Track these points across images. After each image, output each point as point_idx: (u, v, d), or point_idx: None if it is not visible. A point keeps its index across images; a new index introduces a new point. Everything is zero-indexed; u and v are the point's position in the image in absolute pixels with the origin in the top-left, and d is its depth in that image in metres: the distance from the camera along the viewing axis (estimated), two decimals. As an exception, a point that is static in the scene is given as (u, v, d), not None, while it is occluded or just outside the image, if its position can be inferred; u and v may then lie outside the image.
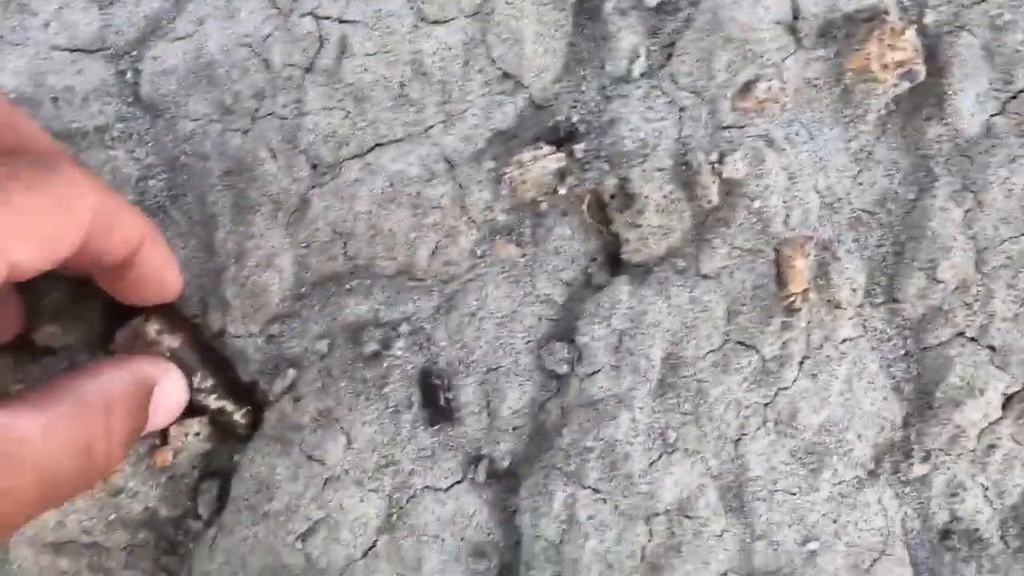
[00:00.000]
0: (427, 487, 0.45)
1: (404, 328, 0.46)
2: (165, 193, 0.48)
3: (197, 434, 0.46)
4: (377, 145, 0.46)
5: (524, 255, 0.46)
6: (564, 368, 0.45)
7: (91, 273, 0.38)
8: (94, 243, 0.33)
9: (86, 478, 0.32)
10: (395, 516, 0.45)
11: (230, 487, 0.47)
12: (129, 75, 0.48)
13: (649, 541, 0.44)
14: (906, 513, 0.47)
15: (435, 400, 0.45)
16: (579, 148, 0.44)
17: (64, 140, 0.48)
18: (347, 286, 0.47)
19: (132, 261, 0.36)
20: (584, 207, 0.44)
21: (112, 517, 0.47)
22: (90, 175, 0.33)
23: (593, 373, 0.45)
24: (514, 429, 0.46)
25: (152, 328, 0.39)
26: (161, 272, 0.39)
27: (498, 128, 0.46)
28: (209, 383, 0.42)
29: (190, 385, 0.41)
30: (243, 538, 0.46)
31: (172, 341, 0.40)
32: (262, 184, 0.47)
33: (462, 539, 0.46)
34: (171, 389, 0.39)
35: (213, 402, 0.43)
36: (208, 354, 0.44)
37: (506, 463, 0.46)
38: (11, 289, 0.39)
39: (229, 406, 0.44)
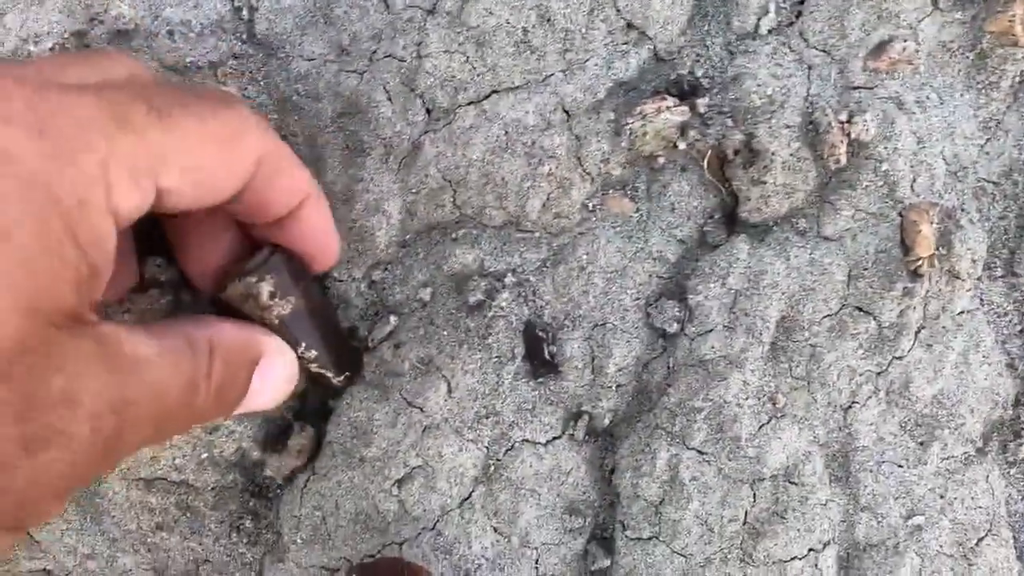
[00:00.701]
0: (526, 440, 0.45)
1: (510, 279, 0.45)
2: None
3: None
4: (494, 92, 0.46)
5: (638, 210, 0.45)
6: (674, 327, 0.44)
7: (247, 224, 0.36)
8: (255, 191, 0.32)
9: (188, 416, 0.32)
10: (492, 468, 0.45)
11: (324, 431, 0.47)
12: (245, 12, 0.48)
13: (752, 506, 0.43)
14: (1011, 495, 0.46)
15: (539, 353, 0.45)
16: (702, 102, 0.43)
17: (177, 74, 0.47)
18: (453, 235, 0.46)
19: (291, 220, 0.35)
20: (704, 163, 0.44)
21: (204, 456, 0.47)
22: (263, 120, 0.31)
23: (704, 333, 0.44)
24: (618, 387, 0.45)
25: (266, 290, 0.36)
26: (320, 236, 0.37)
27: (619, 79, 0.45)
28: (313, 353, 0.39)
29: (295, 353, 0.39)
30: (337, 482, 0.45)
31: (283, 307, 0.37)
32: (375, 127, 0.46)
33: (558, 495, 0.45)
34: (278, 368, 0.36)
35: (314, 369, 0.40)
36: (316, 317, 0.41)
37: (607, 421, 0.45)
38: (129, 238, 0.37)
39: (331, 373, 0.41)
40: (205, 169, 0.29)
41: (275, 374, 0.36)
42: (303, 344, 0.39)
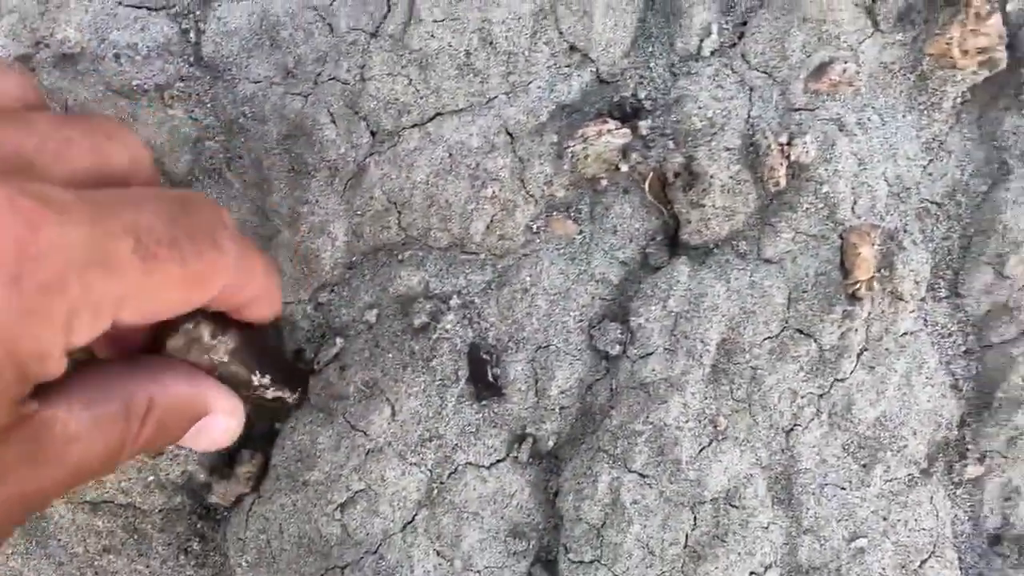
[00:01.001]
0: (470, 463, 0.45)
1: (455, 301, 0.45)
2: (221, 155, 0.48)
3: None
4: (438, 114, 0.46)
5: (581, 232, 0.45)
6: (616, 349, 0.44)
7: None
8: (219, 300, 0.32)
9: (107, 471, 0.32)
10: (436, 491, 0.45)
11: (270, 454, 0.47)
12: (192, 34, 0.48)
13: (694, 529, 0.43)
14: (956, 515, 0.46)
15: (483, 375, 0.45)
16: (644, 125, 0.43)
17: (124, 97, 0.47)
18: (399, 256, 0.46)
19: (240, 307, 0.35)
20: (646, 185, 0.44)
21: (150, 479, 0.47)
22: (242, 245, 0.31)
23: (646, 355, 0.44)
24: (561, 409, 0.45)
25: (206, 331, 0.35)
26: (263, 319, 0.36)
27: (562, 101, 0.45)
28: (267, 379, 0.39)
29: (249, 386, 0.39)
30: (281, 505, 0.45)
31: (228, 342, 0.36)
32: (320, 149, 0.46)
33: (502, 518, 0.45)
34: (220, 425, 0.36)
35: (271, 393, 0.40)
36: (253, 339, 0.40)
37: (550, 443, 0.45)
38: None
39: (285, 393, 0.41)
40: (167, 307, 0.29)
41: (215, 429, 0.36)
42: (256, 372, 0.38)
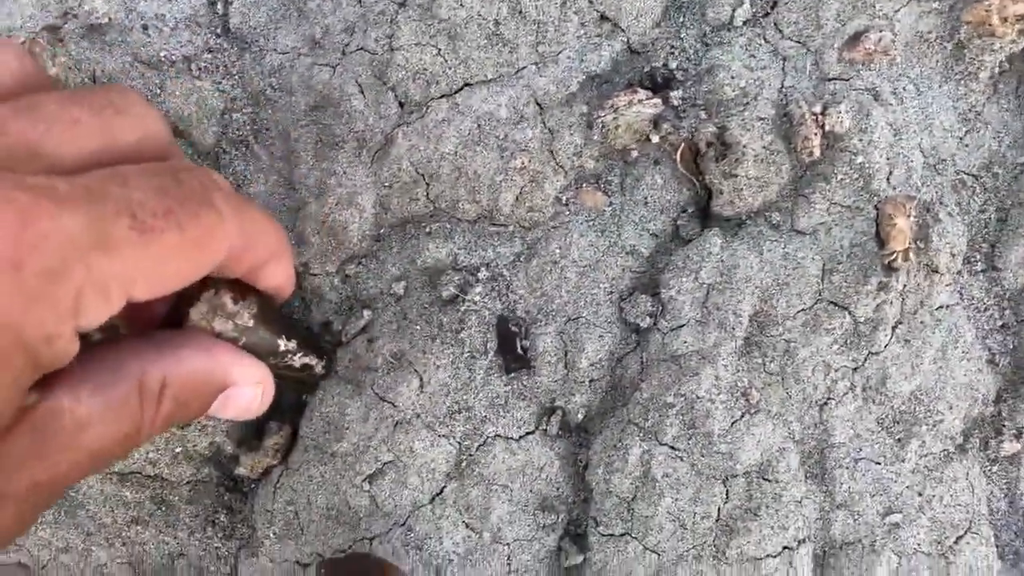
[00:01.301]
0: (498, 435, 0.44)
1: (483, 274, 0.45)
2: (248, 127, 0.48)
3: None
4: (467, 85, 0.45)
5: (611, 204, 0.45)
6: (646, 321, 0.44)
7: None
8: (228, 264, 0.32)
9: (125, 452, 0.31)
10: (464, 463, 0.44)
11: (298, 426, 0.47)
12: (219, 6, 0.47)
13: (726, 503, 0.43)
14: (992, 492, 0.45)
15: (512, 348, 0.44)
16: (675, 95, 0.43)
17: (151, 68, 0.47)
18: (427, 229, 0.46)
19: (254, 274, 0.34)
20: (677, 156, 0.43)
21: (178, 451, 0.47)
22: (238, 203, 0.31)
23: (677, 328, 0.43)
24: (591, 382, 0.44)
25: (227, 297, 0.35)
26: (279, 288, 0.36)
27: (592, 72, 0.44)
28: (293, 344, 0.38)
29: (276, 353, 0.38)
30: (309, 477, 0.45)
31: (251, 307, 0.35)
32: (348, 120, 0.46)
33: (531, 491, 0.44)
34: (248, 399, 0.35)
35: (298, 360, 0.39)
36: (276, 308, 0.39)
37: (580, 416, 0.45)
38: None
39: (312, 360, 0.41)
40: (176, 276, 0.29)
41: (241, 400, 0.35)
42: (283, 337, 0.38)
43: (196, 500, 0.47)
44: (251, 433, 0.47)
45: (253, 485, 0.48)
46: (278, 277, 0.35)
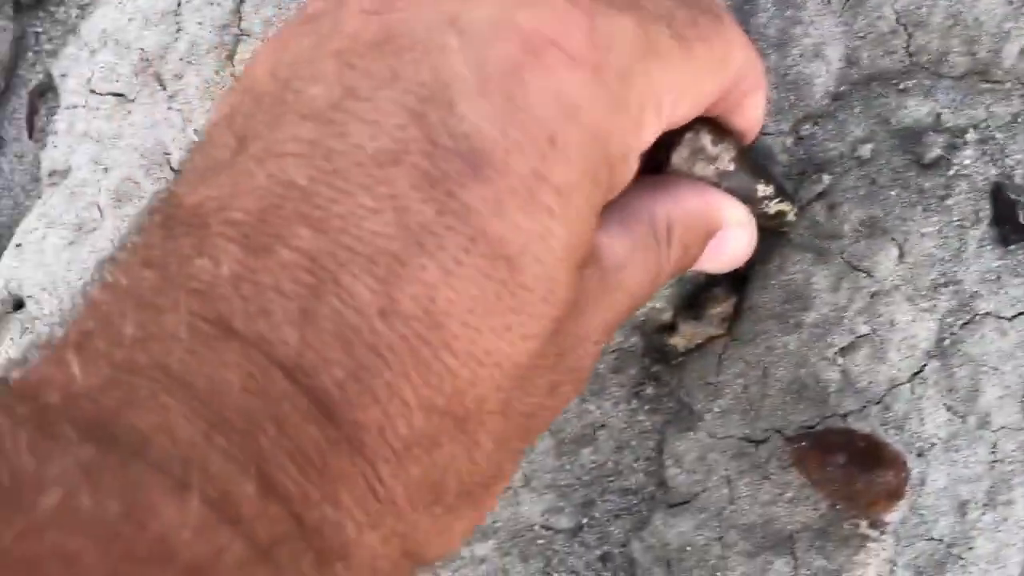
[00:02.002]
0: (988, 313, 0.40)
1: (971, 136, 0.41)
2: (697, -28, 0.44)
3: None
4: (974, -78, 0.40)
5: None
6: None
7: None
8: (719, 97, 0.30)
9: (645, 299, 0.31)
10: (948, 341, 0.40)
11: (744, 295, 0.43)
12: None
13: None
14: None
15: (1011, 218, 0.40)
16: None
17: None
18: (899, 86, 0.42)
19: (731, 109, 0.33)
20: None
21: (607, 316, 0.44)
22: (739, 27, 0.30)
23: None
24: (1099, 259, 0.40)
25: (707, 140, 0.33)
26: (754, 123, 0.34)
27: None
28: (771, 188, 0.36)
29: (753, 198, 0.36)
30: (768, 348, 0.42)
31: (730, 150, 0.33)
32: (823, -38, 0.42)
33: (1021, 376, 0.40)
34: (732, 242, 0.34)
35: (774, 207, 0.37)
36: (747, 151, 0.37)
37: (1081, 298, 0.40)
38: None
39: (786, 206, 0.38)
40: (705, 94, 0.28)
41: (732, 243, 0.34)
42: (760, 181, 0.36)
43: (622, 370, 0.45)
44: (690, 299, 0.44)
45: (682, 357, 0.45)
46: (756, 111, 0.34)
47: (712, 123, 0.33)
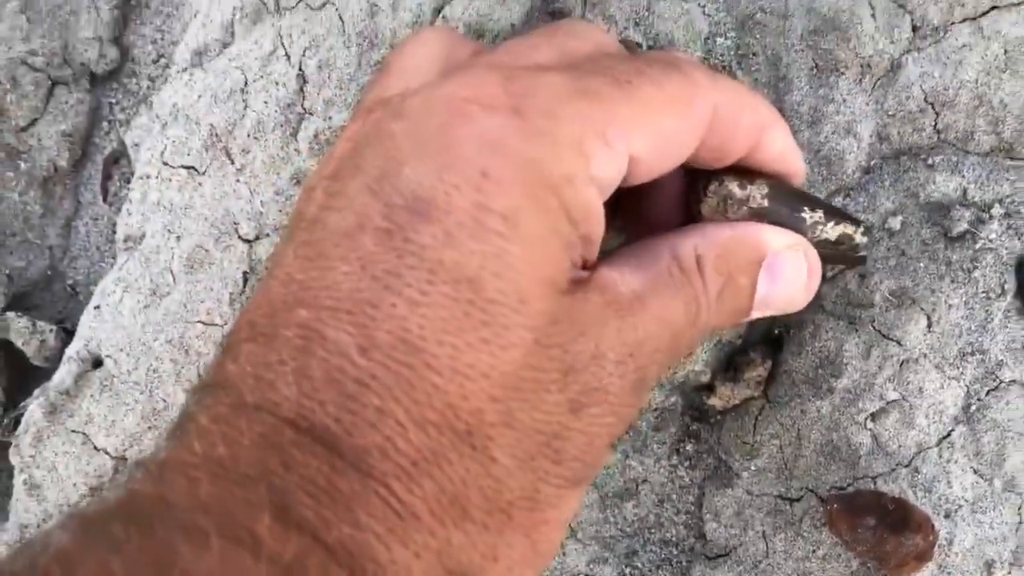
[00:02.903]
0: (1014, 381, 0.42)
1: (997, 210, 0.43)
2: (732, 52, 0.46)
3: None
4: (994, 7, 0.42)
5: None
6: None
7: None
8: (714, 140, 0.31)
9: (695, 336, 0.31)
10: (975, 407, 0.42)
11: (779, 360, 0.46)
12: (714, -76, 0.46)
13: None
14: None
15: (1035, 289, 0.42)
16: None
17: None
18: (928, 160, 0.44)
19: (754, 152, 0.33)
20: None
21: (647, 377, 0.47)
22: (710, 73, 0.31)
23: None
24: (1121, 329, 0.42)
25: (734, 184, 0.32)
26: (787, 158, 0.34)
27: None
28: (820, 213, 0.35)
29: (803, 227, 0.34)
30: (802, 412, 0.44)
31: (761, 188, 0.33)
32: (854, 45, 0.44)
33: (1045, 441, 0.42)
34: (789, 262, 0.33)
35: (831, 230, 0.35)
36: (789, 186, 0.36)
37: (1104, 366, 0.42)
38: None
39: (850, 228, 0.36)
40: (667, 133, 0.29)
41: (787, 269, 0.33)
42: (804, 208, 0.34)
43: (663, 427, 0.48)
44: (727, 363, 0.47)
45: (720, 416, 0.47)
46: (778, 145, 0.34)
47: (737, 169, 0.33)
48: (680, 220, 0.35)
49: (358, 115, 0.30)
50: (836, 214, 0.36)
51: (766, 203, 0.33)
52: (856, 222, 0.37)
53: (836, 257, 0.38)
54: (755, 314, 0.34)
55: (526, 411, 0.25)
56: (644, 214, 0.37)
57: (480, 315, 0.24)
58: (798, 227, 0.34)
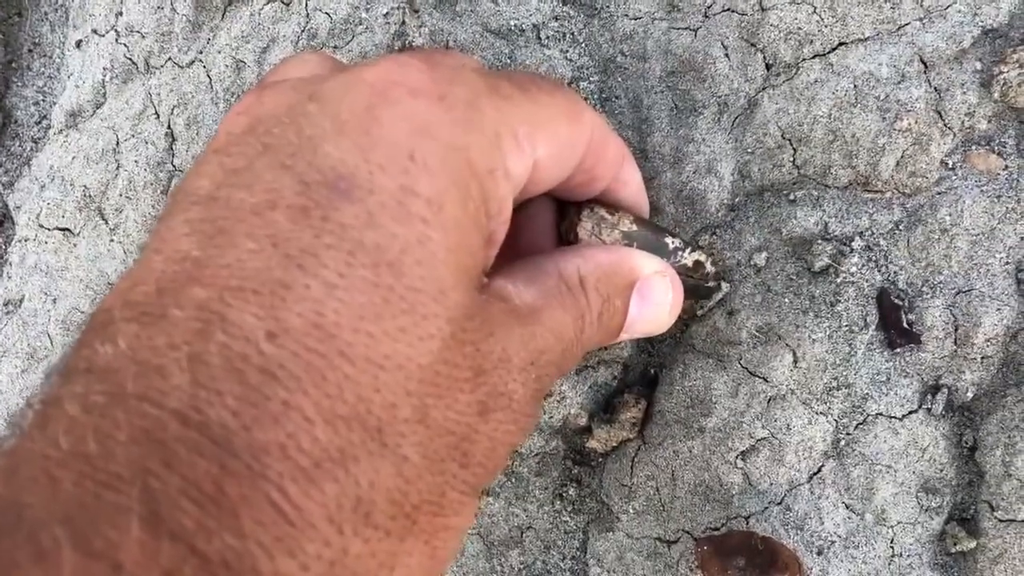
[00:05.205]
0: (880, 414, 0.42)
1: (857, 243, 0.43)
2: (596, 95, 0.47)
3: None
4: (841, 44, 0.43)
5: (1007, 167, 0.42)
6: (1051, 293, 0.40)
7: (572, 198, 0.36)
8: (587, 163, 0.32)
9: (579, 351, 0.32)
10: (843, 442, 0.42)
11: (652, 400, 0.46)
12: (570, -29, 0.46)
13: None
14: None
15: (896, 322, 0.42)
16: (1096, 46, 0.39)
17: (500, 38, 0.47)
18: (790, 196, 0.44)
19: (612, 185, 0.35)
20: (1098, 113, 0.40)
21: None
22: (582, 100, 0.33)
23: (1091, 300, 0.40)
24: (983, 359, 0.42)
25: (603, 210, 0.35)
26: (638, 194, 0.37)
27: (988, 26, 0.41)
28: (679, 241, 0.38)
29: (665, 252, 0.37)
30: (675, 452, 0.44)
31: (626, 215, 0.36)
32: (710, 85, 0.44)
33: (913, 472, 0.42)
34: (658, 288, 0.35)
35: (688, 257, 0.39)
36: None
37: (968, 395, 0.42)
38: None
39: (702, 256, 0.40)
40: (563, 141, 0.30)
41: (655, 293, 0.35)
42: (667, 235, 0.38)
43: (544, 472, 0.47)
44: (603, 405, 0.47)
45: (601, 459, 0.47)
46: (633, 181, 0.36)
47: (602, 202, 0.36)
48: (548, 249, 0.36)
49: (251, 92, 0.28)
50: (689, 244, 0.39)
51: (635, 227, 0.36)
52: (708, 253, 0.41)
53: (690, 286, 0.39)
54: (623, 336, 0.35)
55: (440, 409, 0.23)
56: (514, 242, 0.37)
57: (399, 302, 0.23)
58: (661, 252, 0.37)
